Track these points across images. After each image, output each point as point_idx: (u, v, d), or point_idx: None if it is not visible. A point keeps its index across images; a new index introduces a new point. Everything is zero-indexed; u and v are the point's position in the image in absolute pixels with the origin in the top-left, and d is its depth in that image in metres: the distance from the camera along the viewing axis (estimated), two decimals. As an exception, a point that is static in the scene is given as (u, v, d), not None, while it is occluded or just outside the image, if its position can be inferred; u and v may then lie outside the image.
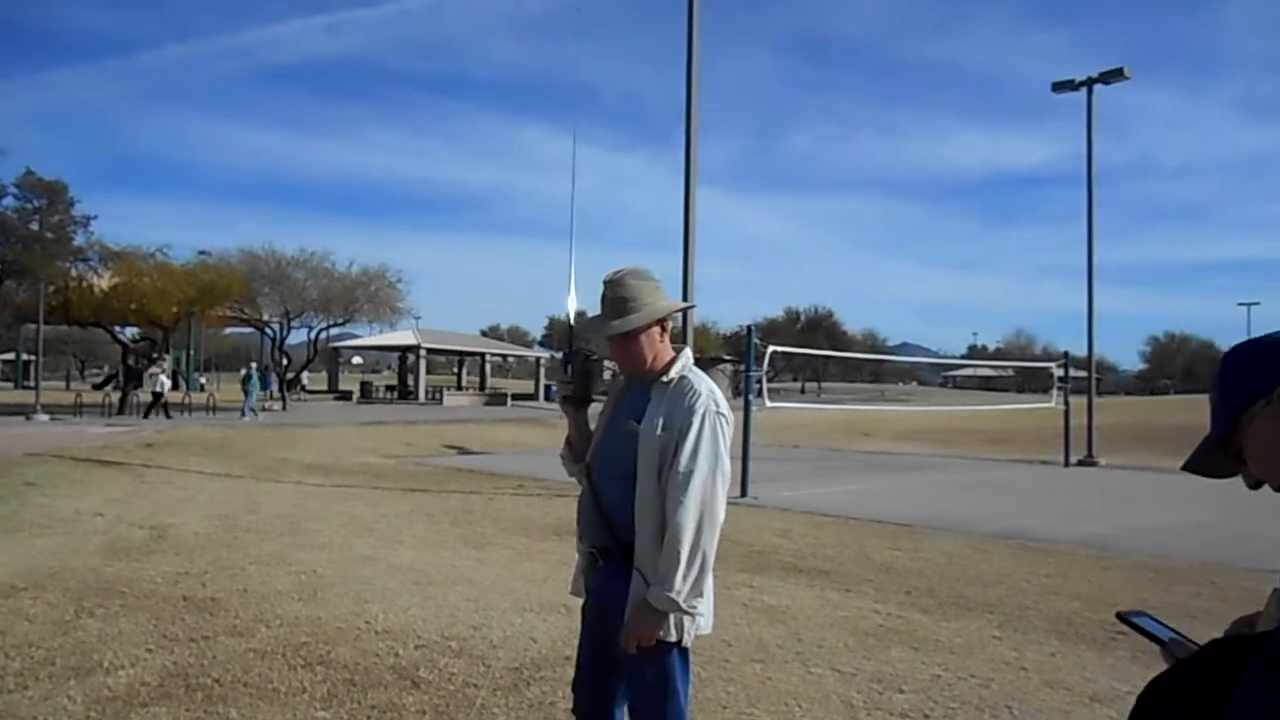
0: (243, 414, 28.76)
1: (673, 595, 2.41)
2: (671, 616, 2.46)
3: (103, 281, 28.89)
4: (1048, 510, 12.32)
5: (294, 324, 37.85)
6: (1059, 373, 21.77)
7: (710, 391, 2.56)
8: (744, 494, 12.18)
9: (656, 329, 2.65)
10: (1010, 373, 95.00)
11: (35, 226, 16.68)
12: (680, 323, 13.11)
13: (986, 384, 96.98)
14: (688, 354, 2.70)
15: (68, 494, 10.81)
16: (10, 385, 54.23)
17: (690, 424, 2.49)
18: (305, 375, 33.33)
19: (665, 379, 2.60)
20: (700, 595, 2.46)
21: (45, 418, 26.31)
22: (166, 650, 4.85)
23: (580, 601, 2.80)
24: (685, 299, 13.05)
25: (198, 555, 7.43)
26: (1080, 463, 19.44)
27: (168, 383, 30.31)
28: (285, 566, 7.07)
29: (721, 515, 2.50)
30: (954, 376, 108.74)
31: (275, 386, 35.16)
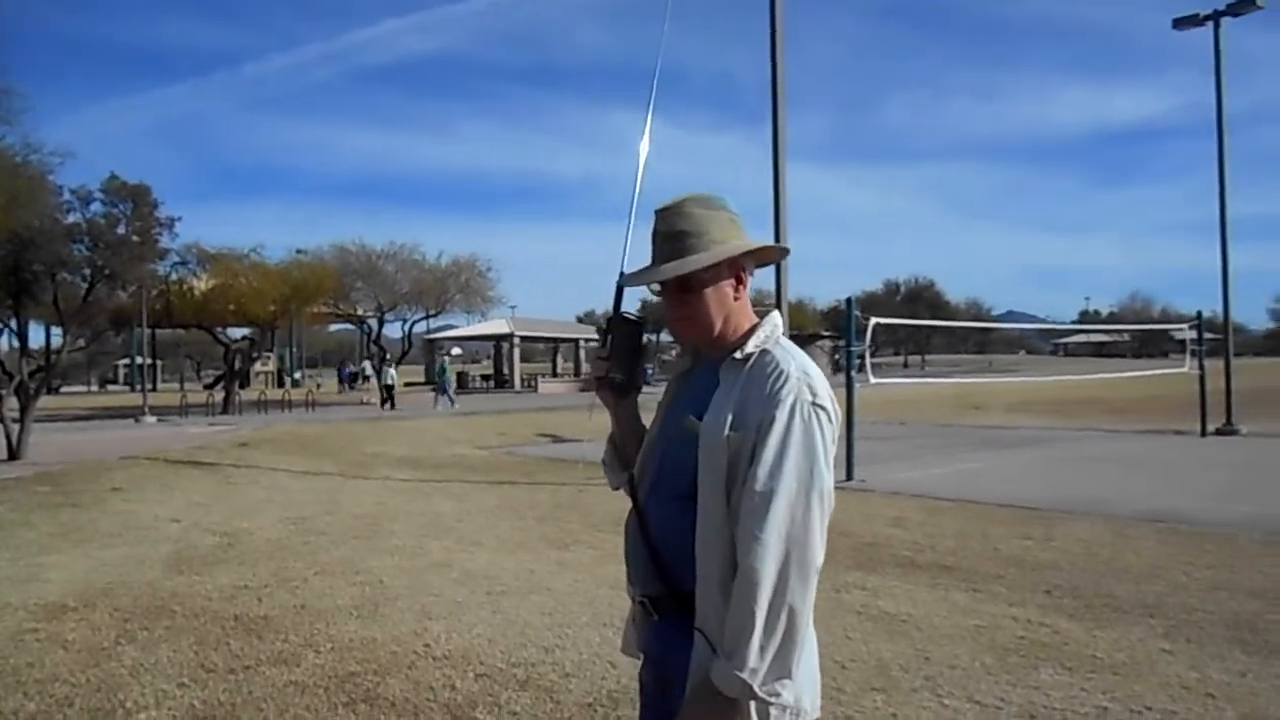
0: (451, 403, 32.23)
1: (744, 675, 1.63)
2: (752, 705, 1.69)
3: (201, 284, 29.45)
4: (1193, 487, 11.06)
5: (388, 317, 38.12)
6: (1192, 334, 20.08)
7: (803, 373, 1.77)
8: (849, 477, 11.28)
9: (729, 281, 1.88)
10: (1126, 338, 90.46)
11: (121, 230, 16.80)
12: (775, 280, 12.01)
13: (1101, 350, 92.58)
14: (776, 320, 1.91)
15: (151, 499, 10.61)
16: (126, 389, 56.60)
17: (773, 420, 1.71)
18: (368, 365, 34.94)
19: (739, 355, 1.82)
20: (786, 675, 1.66)
21: (152, 419, 26.97)
22: (200, 685, 4.31)
23: (636, 665, 2.06)
24: (778, 282, 11.89)
25: (262, 565, 6.97)
26: (1219, 431, 17.79)
27: (395, 375, 34.88)
28: (351, 576, 6.54)
29: (819, 557, 1.70)
30: (1065, 344, 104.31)
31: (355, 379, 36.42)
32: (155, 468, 13.86)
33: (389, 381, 33.95)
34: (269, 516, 9.31)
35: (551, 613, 5.48)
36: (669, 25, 2.13)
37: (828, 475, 1.73)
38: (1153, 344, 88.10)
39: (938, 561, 6.89)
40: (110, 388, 66.10)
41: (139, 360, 39.13)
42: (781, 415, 1.71)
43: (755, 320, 1.91)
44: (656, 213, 1.93)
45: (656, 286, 1.91)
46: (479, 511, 9.71)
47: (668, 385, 2.06)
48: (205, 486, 11.77)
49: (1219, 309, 20.29)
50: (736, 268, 1.89)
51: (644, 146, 2.15)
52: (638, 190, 2.11)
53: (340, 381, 43.25)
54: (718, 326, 1.87)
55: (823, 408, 1.75)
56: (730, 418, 1.74)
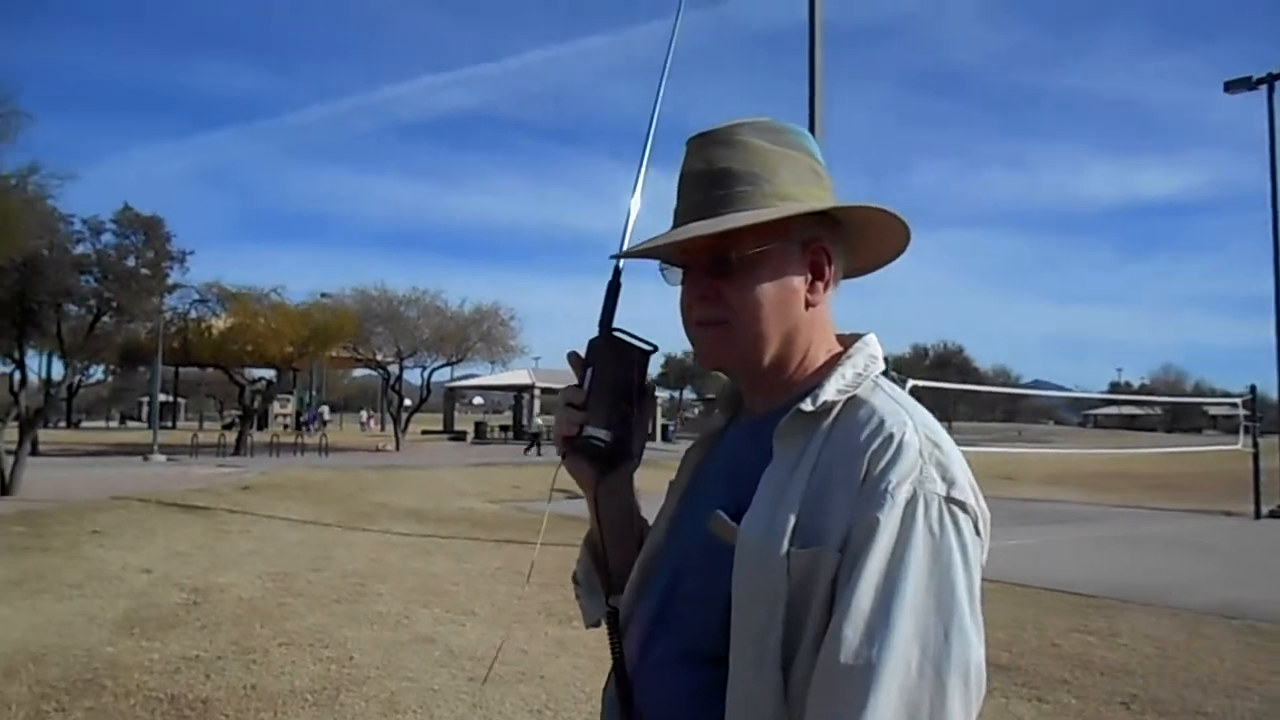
0: (539, 452, 32.84)
1: None
2: None
3: (220, 323, 29.06)
4: (1263, 576, 10.08)
5: (408, 363, 37.60)
6: (1234, 410, 19.18)
7: (929, 443, 0.97)
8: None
9: (799, 269, 1.07)
10: (1158, 411, 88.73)
11: (132, 262, 16.36)
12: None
13: (1132, 423, 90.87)
14: (874, 350, 1.10)
15: (128, 545, 9.88)
16: (146, 426, 56.36)
17: (875, 528, 0.92)
18: (327, 410, 35.85)
19: (809, 405, 1.01)
20: None
21: (161, 458, 26.39)
22: (100, 793, 3.53)
23: None
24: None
25: (224, 630, 6.19)
26: (1273, 514, 16.72)
27: (541, 423, 36.98)
28: (319, 650, 5.74)
29: None
30: (1094, 415, 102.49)
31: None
32: (145, 510, 13.15)
33: (534, 429, 35.52)
34: (249, 571, 8.55)
35: (541, 710, 4.65)
36: (665, 83, 1.29)
37: (976, 637, 0.93)
38: (1185, 418, 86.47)
39: (990, 658, 5.98)
40: (131, 424, 65.98)
41: (166, 399, 38.71)
42: (889, 520, 0.92)
43: (839, 348, 1.11)
44: (690, 142, 1.11)
45: (678, 272, 1.10)
46: (478, 574, 8.91)
47: (686, 455, 1.23)
48: (192, 533, 11.03)
49: (1260, 383, 19.42)
50: (815, 249, 1.08)
51: (635, 202, 1.33)
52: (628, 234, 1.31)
53: (299, 425, 42.43)
54: (772, 347, 1.07)
55: (962, 505, 0.95)
56: (793, 520, 0.95)
